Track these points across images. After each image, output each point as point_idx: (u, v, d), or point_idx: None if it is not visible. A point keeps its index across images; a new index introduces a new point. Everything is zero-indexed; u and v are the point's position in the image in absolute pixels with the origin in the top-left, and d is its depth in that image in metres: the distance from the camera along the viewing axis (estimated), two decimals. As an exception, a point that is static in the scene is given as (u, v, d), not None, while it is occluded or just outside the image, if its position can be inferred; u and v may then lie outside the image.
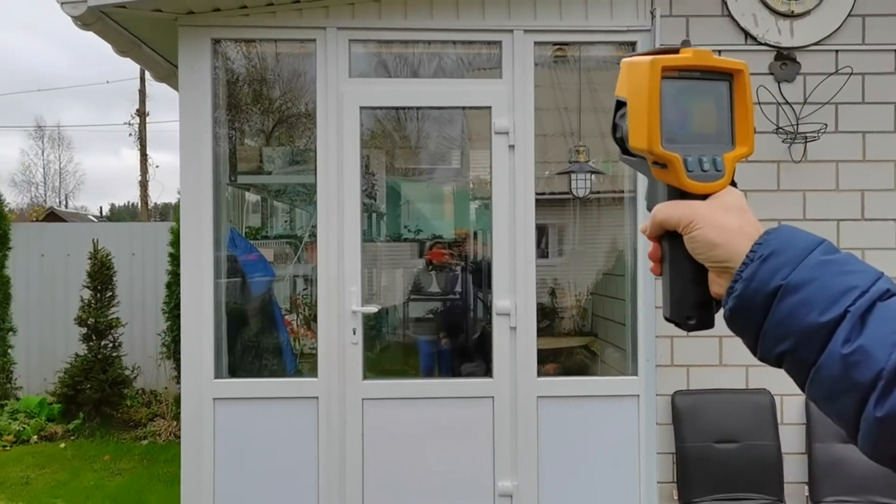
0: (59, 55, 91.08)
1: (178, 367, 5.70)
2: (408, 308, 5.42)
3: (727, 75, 0.78)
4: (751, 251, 0.72)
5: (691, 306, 0.79)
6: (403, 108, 4.73)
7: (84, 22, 3.56)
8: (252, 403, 3.69)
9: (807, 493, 3.56)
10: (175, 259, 6.56)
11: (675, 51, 0.77)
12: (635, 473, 3.69)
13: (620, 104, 0.79)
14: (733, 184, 0.79)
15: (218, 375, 3.70)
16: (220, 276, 3.80)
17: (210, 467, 3.65)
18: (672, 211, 0.77)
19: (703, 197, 0.77)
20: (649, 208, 0.81)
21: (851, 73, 3.53)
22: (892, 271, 3.32)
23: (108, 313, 6.77)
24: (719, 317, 0.77)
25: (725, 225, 0.74)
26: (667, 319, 0.82)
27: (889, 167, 3.59)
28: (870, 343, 0.64)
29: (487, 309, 4.27)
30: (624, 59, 0.80)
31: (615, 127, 0.82)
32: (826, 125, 3.52)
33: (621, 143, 0.81)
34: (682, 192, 0.77)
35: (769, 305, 0.70)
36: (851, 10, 3.56)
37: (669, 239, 0.79)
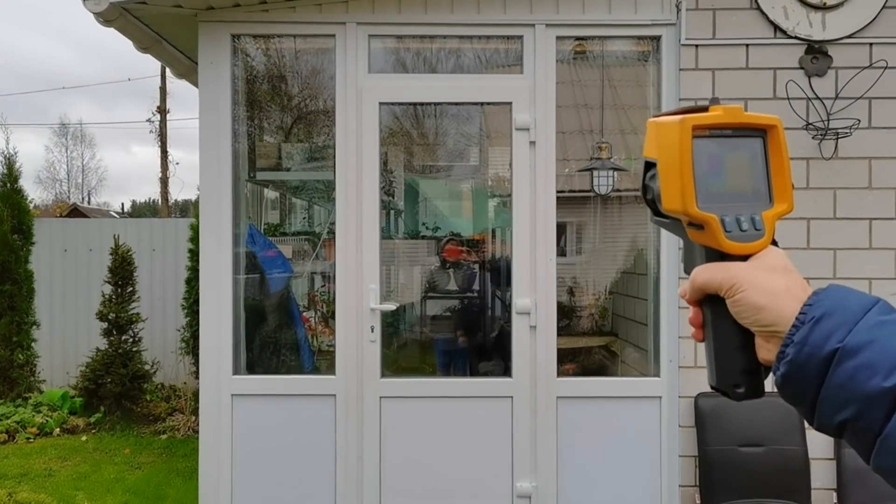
0: (66, 54, 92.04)
1: (196, 363, 5.71)
2: (426, 306, 5.38)
3: (760, 131, 0.76)
4: (801, 313, 0.68)
5: (739, 373, 0.75)
6: (423, 104, 4.69)
7: (106, 18, 3.55)
8: (270, 400, 3.68)
9: (835, 501, 3.47)
10: (195, 255, 6.57)
11: (704, 108, 0.75)
12: (657, 476, 3.63)
13: (650, 165, 0.77)
14: (774, 243, 0.75)
15: (236, 371, 3.69)
16: (239, 272, 3.78)
17: (228, 463, 3.64)
18: (713, 274, 0.74)
19: (744, 258, 0.74)
20: (687, 272, 0.78)
21: (886, 67, 3.43)
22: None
23: (128, 308, 6.80)
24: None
25: (770, 286, 0.71)
26: (713, 388, 0.78)
27: (924, 164, 3.48)
28: None
29: (506, 307, 4.22)
30: (651, 120, 0.77)
31: (645, 188, 0.78)
32: (859, 121, 3.42)
33: (653, 204, 0.78)
34: (721, 254, 0.74)
35: (825, 370, 0.65)
36: (887, 2, 3.45)
37: (711, 303, 0.75)
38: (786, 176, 0.76)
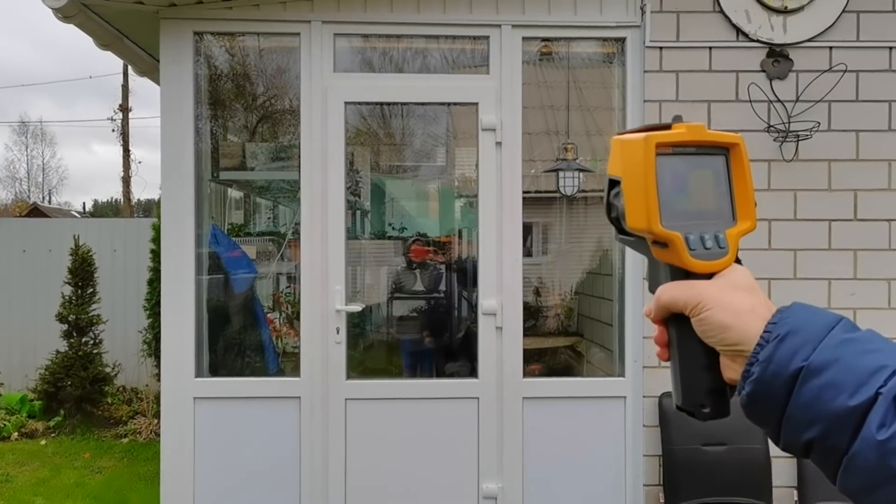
0: (25, 50, 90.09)
1: (159, 365, 5.61)
2: (392, 306, 5.36)
3: (723, 149, 0.76)
4: (765, 331, 0.67)
5: (705, 393, 0.74)
6: (389, 104, 4.66)
7: (65, 14, 3.48)
8: (233, 403, 3.63)
9: (796, 498, 3.53)
10: (157, 256, 6.46)
11: (667, 126, 0.74)
12: (621, 476, 3.65)
13: (614, 183, 0.76)
14: (738, 261, 0.75)
15: (199, 374, 3.63)
16: (202, 273, 3.73)
17: (190, 467, 3.58)
18: (677, 293, 0.73)
19: (709, 276, 0.73)
20: (651, 290, 0.77)
21: (845, 71, 3.49)
22: (885, 273, 3.28)
23: (88, 310, 6.68)
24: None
25: (736, 305, 0.70)
26: (678, 409, 0.77)
27: (883, 167, 3.55)
28: None
29: (472, 308, 4.22)
30: (615, 137, 0.77)
31: (609, 206, 0.78)
32: (819, 123, 3.47)
33: (617, 222, 0.77)
34: (685, 273, 0.74)
35: (791, 389, 0.64)
36: (846, 6, 3.51)
37: (676, 322, 0.75)
38: (749, 194, 0.76)
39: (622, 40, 3.67)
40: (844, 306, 3.55)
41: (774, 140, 3.51)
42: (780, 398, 0.65)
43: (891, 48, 3.55)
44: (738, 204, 0.76)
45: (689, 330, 0.73)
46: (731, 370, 0.71)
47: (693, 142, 0.74)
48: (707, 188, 0.76)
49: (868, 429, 0.60)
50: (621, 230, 0.77)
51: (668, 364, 0.76)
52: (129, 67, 5.32)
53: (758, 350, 0.67)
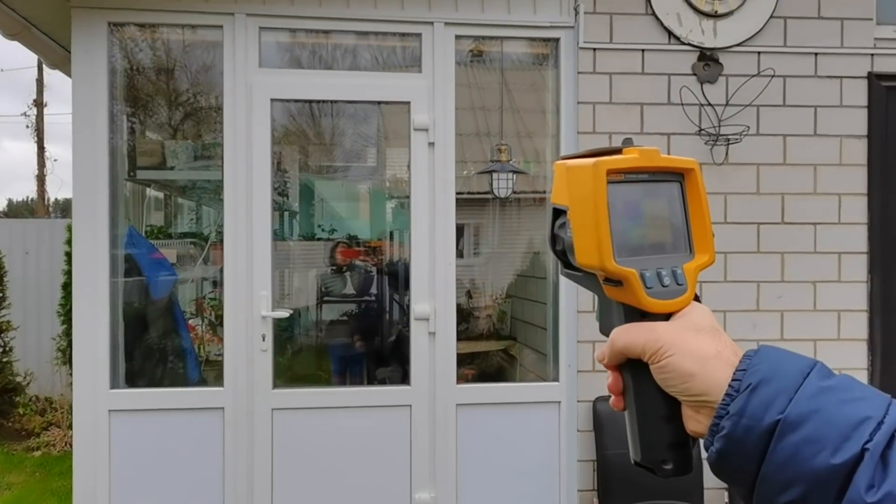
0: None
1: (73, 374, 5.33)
2: (321, 311, 5.21)
3: (678, 175, 0.69)
4: (734, 379, 0.60)
5: (666, 448, 0.66)
6: (318, 102, 4.52)
7: (-37, -1, 3.23)
8: (151, 415, 3.44)
9: (726, 500, 3.55)
10: (72, 258, 6.15)
11: (618, 150, 0.67)
12: (556, 481, 3.61)
13: (559, 212, 0.68)
14: (696, 298, 0.68)
15: (114, 385, 3.43)
16: (117, 276, 3.53)
17: (105, 485, 3.38)
18: (634, 336, 0.65)
19: (666, 316, 0.66)
20: (603, 332, 0.69)
21: (773, 76, 3.53)
22: (810, 275, 3.31)
23: (-3, 316, 6.31)
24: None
25: (699, 350, 0.63)
26: (636, 464, 0.69)
27: (808, 171, 3.61)
28: None
29: (404, 311, 4.12)
30: (558, 162, 0.69)
31: (554, 238, 0.69)
32: (748, 127, 3.50)
33: (563, 256, 0.69)
34: (641, 312, 0.66)
35: (766, 445, 0.57)
36: (774, 11, 3.55)
37: (632, 368, 0.67)
38: (706, 223, 0.69)
39: (556, 41, 3.63)
40: (772, 308, 3.59)
41: (706, 143, 3.53)
42: (755, 456, 0.58)
43: (816, 54, 3.61)
44: (694, 235, 0.69)
45: (648, 377, 0.65)
46: (696, 422, 0.63)
47: (647, 168, 0.67)
48: (662, 218, 0.69)
49: (855, 490, 0.53)
50: (568, 265, 0.69)
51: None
52: (41, 60, 5.03)
53: (727, 401, 0.59)
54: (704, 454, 0.61)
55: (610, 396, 0.70)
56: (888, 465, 0.54)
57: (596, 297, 0.70)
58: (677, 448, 0.66)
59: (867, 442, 0.54)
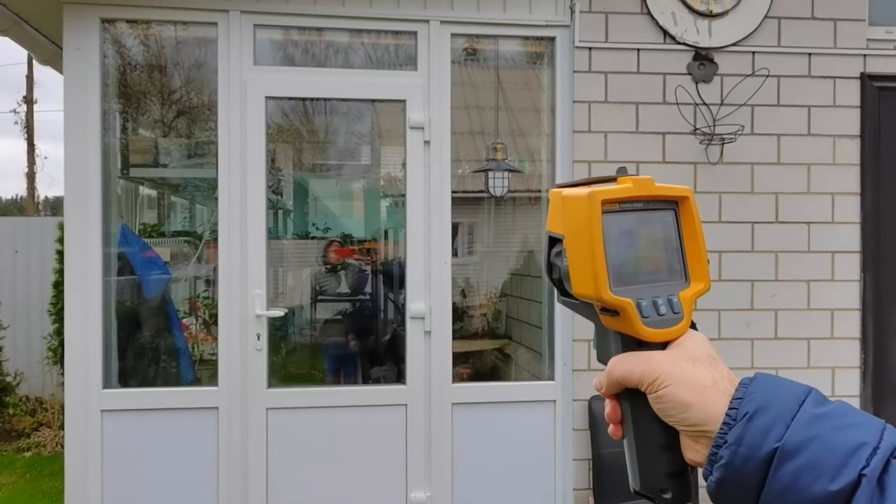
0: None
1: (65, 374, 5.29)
2: (316, 309, 5.19)
3: (672, 203, 0.69)
4: (731, 408, 0.60)
5: (665, 476, 0.66)
6: (313, 100, 4.50)
7: (-47, -6, 3.19)
8: (144, 415, 3.41)
9: None
10: (63, 257, 6.10)
11: (612, 179, 0.68)
12: (551, 480, 3.61)
13: (554, 240, 0.69)
14: (693, 325, 0.68)
15: (107, 385, 3.40)
16: (110, 274, 3.50)
17: (98, 486, 3.35)
18: (632, 366, 0.65)
19: (663, 345, 0.66)
20: (601, 360, 0.69)
21: (767, 76, 3.54)
22: (804, 274, 3.32)
23: (-14, 315, 6.25)
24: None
25: (696, 380, 0.63)
26: (636, 493, 0.69)
27: (802, 170, 3.62)
28: None
29: (399, 310, 4.11)
30: (553, 190, 0.70)
31: (551, 266, 0.70)
32: (742, 127, 3.51)
33: (560, 284, 0.69)
34: (638, 341, 0.66)
35: (765, 473, 0.57)
36: (768, 11, 3.56)
37: (630, 397, 0.67)
38: (700, 250, 0.69)
39: (551, 40, 3.63)
40: (766, 307, 3.61)
41: (700, 143, 3.53)
42: (754, 484, 0.58)
43: (810, 54, 3.63)
44: (690, 263, 0.69)
45: (646, 406, 0.65)
46: (694, 451, 0.63)
47: (641, 197, 0.67)
48: (657, 247, 0.69)
49: None
50: (565, 293, 0.69)
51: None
52: (31, 56, 4.99)
53: (725, 430, 0.59)
54: (703, 482, 0.61)
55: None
56: (885, 490, 0.54)
57: (593, 325, 0.70)
58: (676, 477, 0.66)
59: (864, 467, 0.55)
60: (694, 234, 0.69)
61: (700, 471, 0.63)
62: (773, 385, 0.61)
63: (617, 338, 0.68)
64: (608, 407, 0.69)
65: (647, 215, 0.68)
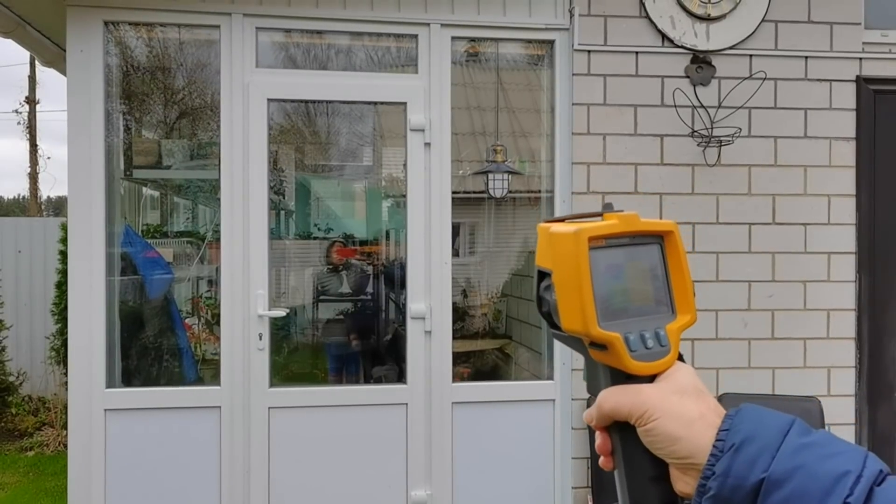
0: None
1: (68, 373, 5.33)
2: (318, 309, 5.23)
3: (657, 237, 0.71)
4: (718, 440, 0.62)
5: None
6: (314, 102, 4.54)
7: (-42, -3, 3.23)
8: (147, 414, 3.44)
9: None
10: (66, 257, 6.12)
11: (598, 215, 0.69)
12: (550, 479, 3.64)
13: (543, 275, 0.70)
14: (680, 357, 0.70)
15: (110, 384, 3.43)
16: (113, 274, 3.53)
17: (101, 485, 3.38)
18: (621, 400, 0.67)
19: (651, 378, 0.68)
20: (591, 392, 0.71)
21: (765, 79, 3.57)
22: (801, 275, 3.36)
23: (-11, 315, 6.29)
24: None
25: (684, 413, 0.65)
26: None
27: (799, 172, 3.66)
28: None
29: (400, 310, 4.15)
30: (541, 225, 0.71)
31: (540, 300, 0.72)
32: (740, 129, 3.55)
33: (549, 317, 0.71)
34: (626, 375, 0.68)
35: (753, 503, 0.59)
36: (765, 15, 3.60)
37: (620, 430, 0.69)
38: (686, 283, 0.71)
39: (551, 42, 3.67)
40: (763, 307, 3.64)
41: (698, 145, 3.57)
42: None
43: (806, 57, 3.66)
44: (676, 295, 0.71)
45: (636, 438, 0.67)
46: (683, 483, 0.65)
47: (627, 233, 0.69)
48: (644, 281, 0.71)
49: None
50: (554, 325, 0.70)
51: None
52: (34, 57, 5.02)
53: (712, 462, 0.61)
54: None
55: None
56: None
57: (583, 358, 0.72)
58: None
59: (848, 496, 0.56)
60: (679, 267, 0.71)
61: (689, 503, 0.65)
62: (758, 416, 0.63)
63: (606, 371, 0.69)
64: (599, 439, 0.71)
65: (633, 250, 0.70)
